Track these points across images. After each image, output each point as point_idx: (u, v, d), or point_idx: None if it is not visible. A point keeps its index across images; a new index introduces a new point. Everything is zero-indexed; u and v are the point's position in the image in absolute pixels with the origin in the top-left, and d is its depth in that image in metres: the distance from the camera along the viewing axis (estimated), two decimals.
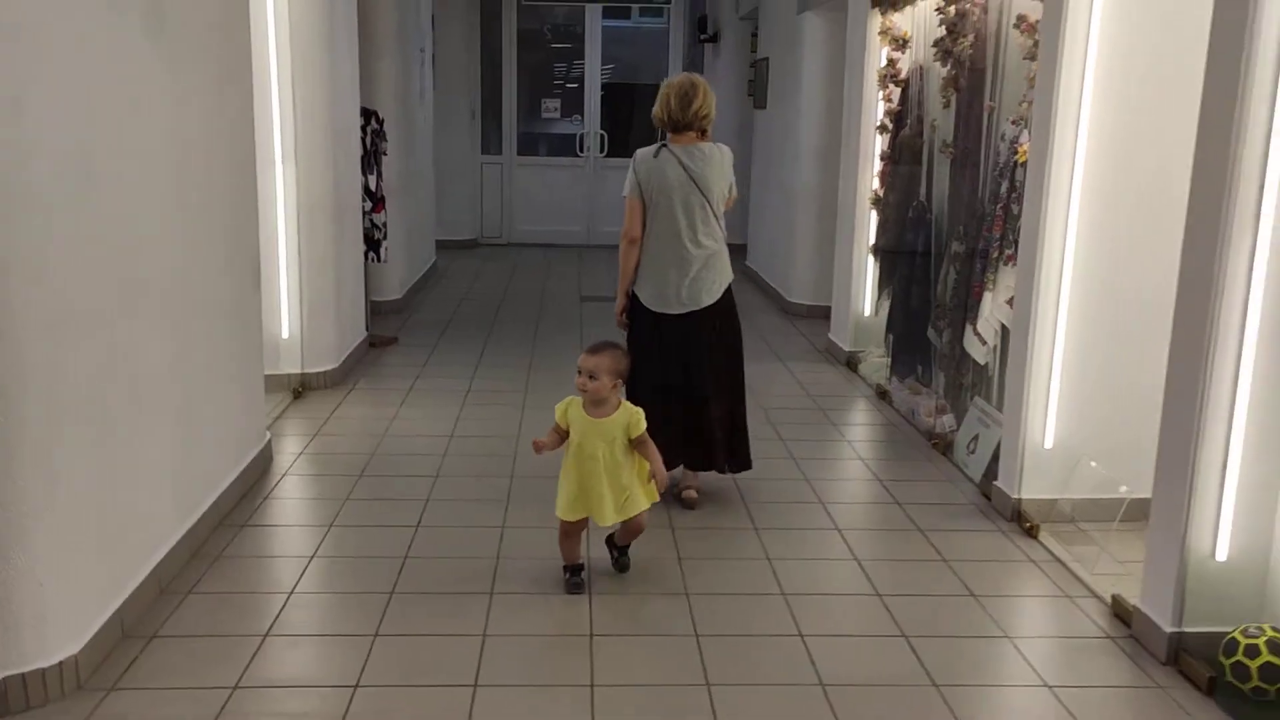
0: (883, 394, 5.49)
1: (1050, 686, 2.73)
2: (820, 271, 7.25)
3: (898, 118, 5.53)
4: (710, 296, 3.85)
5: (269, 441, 4.29)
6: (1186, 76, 2.80)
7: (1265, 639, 2.60)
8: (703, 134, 3.86)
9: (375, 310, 6.81)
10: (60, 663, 2.56)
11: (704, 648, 2.87)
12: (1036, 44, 3.75)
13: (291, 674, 2.74)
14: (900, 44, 5.50)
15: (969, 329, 4.41)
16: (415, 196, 8.20)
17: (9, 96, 2.34)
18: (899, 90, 5.52)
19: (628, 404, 3.17)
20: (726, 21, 10.58)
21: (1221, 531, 2.77)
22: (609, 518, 3.13)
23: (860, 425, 5.17)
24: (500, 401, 5.28)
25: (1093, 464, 3.69)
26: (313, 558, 3.41)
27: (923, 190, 5.19)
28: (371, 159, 6.24)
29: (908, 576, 3.37)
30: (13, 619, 2.48)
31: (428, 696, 2.62)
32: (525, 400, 5.31)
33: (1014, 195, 3.99)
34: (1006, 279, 4.06)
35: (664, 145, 3.84)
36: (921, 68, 5.21)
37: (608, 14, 11.17)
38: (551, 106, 11.40)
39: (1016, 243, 3.89)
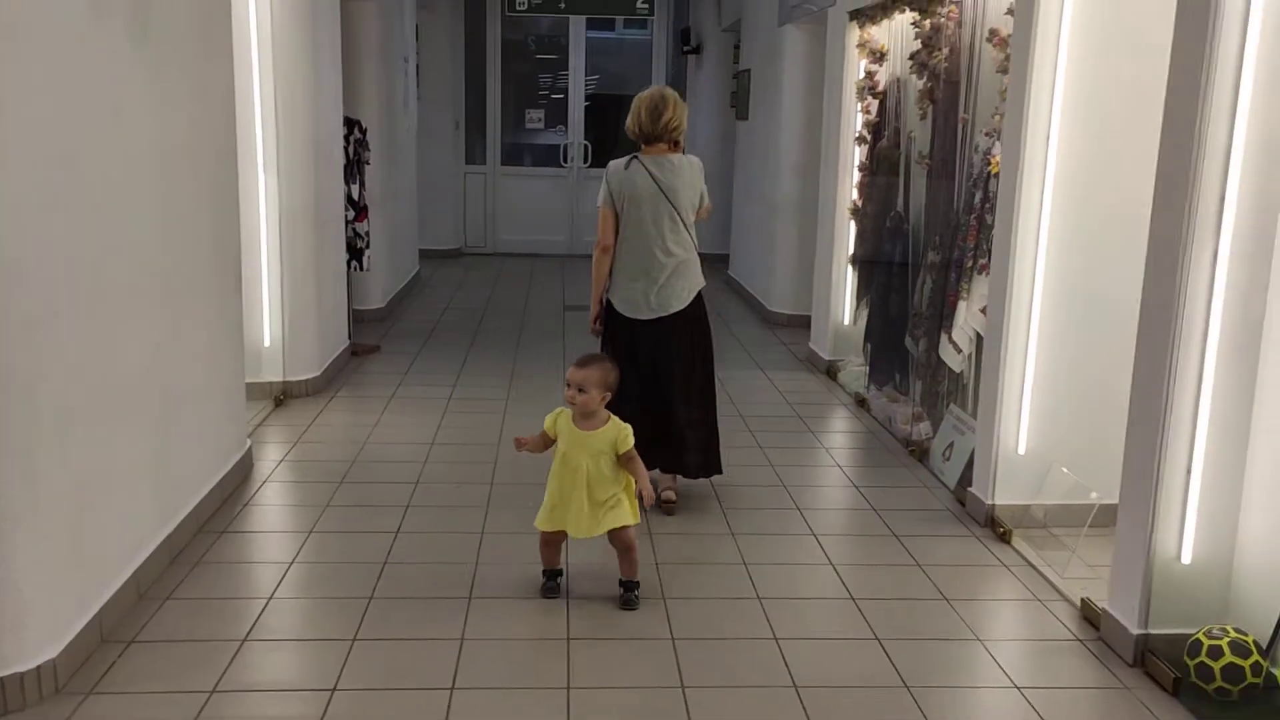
0: (861, 402, 5.55)
1: (1019, 688, 2.77)
2: (801, 281, 7.31)
3: (876, 129, 5.60)
4: (680, 303, 3.94)
5: (250, 448, 4.30)
6: (1152, 90, 2.87)
7: (1228, 640, 2.66)
8: (675, 145, 3.95)
9: (358, 319, 6.83)
10: (38, 667, 2.57)
11: (680, 651, 2.90)
12: (1008, 58, 3.82)
13: (269, 678, 2.76)
14: (878, 57, 5.58)
15: (944, 337, 4.48)
16: (398, 206, 8.23)
17: None
18: (877, 102, 5.60)
19: (616, 420, 3.17)
20: (709, 34, 10.67)
21: (1186, 535, 2.82)
22: (583, 531, 3.14)
23: (839, 433, 5.22)
24: (482, 410, 5.30)
25: (1064, 470, 3.75)
26: (292, 563, 3.43)
27: (900, 201, 5.27)
28: (354, 168, 6.26)
29: (882, 581, 3.42)
30: None
31: (405, 699, 2.65)
32: (506, 408, 5.34)
33: (987, 206, 4.06)
34: (980, 288, 4.13)
35: (635, 156, 3.93)
36: (899, 80, 5.29)
37: (592, 25, 11.24)
38: (535, 117, 11.45)
39: (990, 252, 3.96)
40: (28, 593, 2.55)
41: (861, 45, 5.75)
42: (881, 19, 5.43)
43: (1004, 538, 3.74)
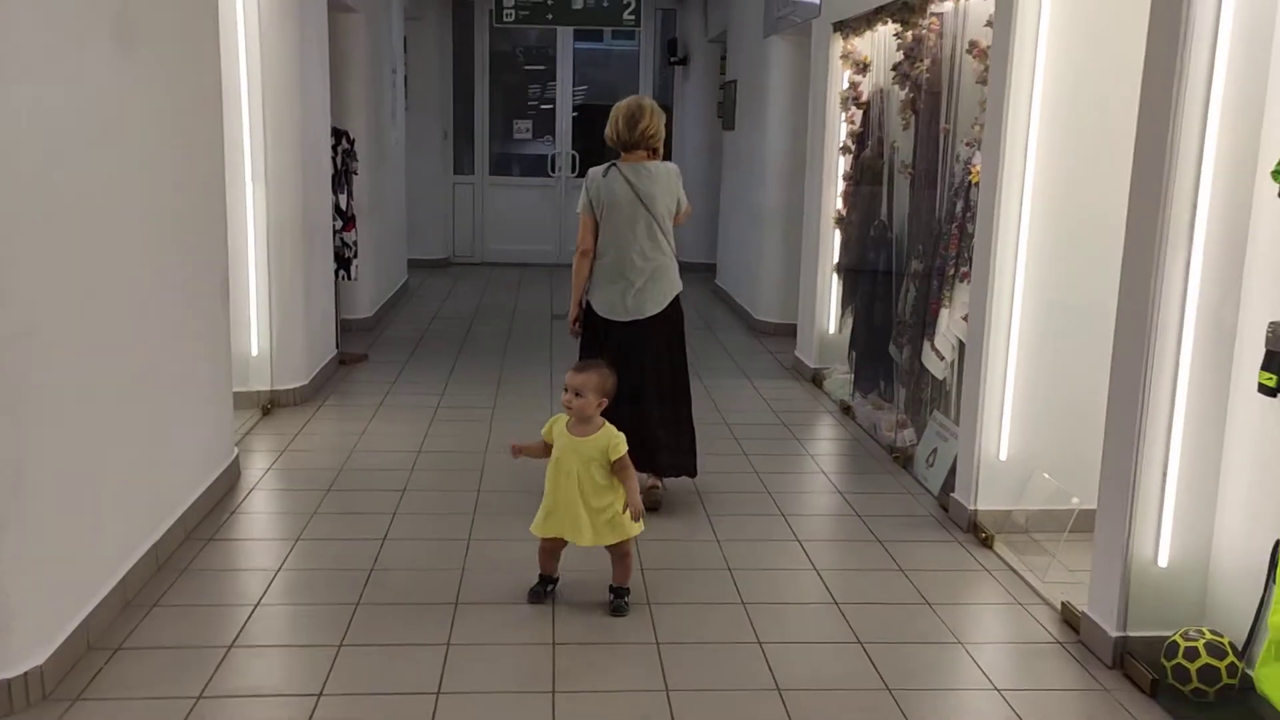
0: (846, 409, 5.59)
1: (1000, 690, 2.81)
2: (787, 290, 7.36)
3: (860, 139, 5.66)
4: (656, 306, 4.03)
5: (237, 457, 4.31)
6: (1128, 101, 2.92)
7: (1204, 642, 2.70)
8: (653, 153, 4.04)
9: (345, 328, 6.84)
10: (25, 673, 2.58)
11: (664, 655, 2.93)
12: (988, 69, 3.88)
13: (255, 684, 2.77)
14: (861, 68, 5.64)
15: (927, 345, 4.52)
16: (386, 215, 8.25)
17: None
18: (860, 112, 5.65)
19: (610, 428, 3.18)
20: (696, 44, 10.75)
21: (1162, 539, 2.87)
22: (586, 539, 3.14)
23: (824, 440, 5.26)
24: (469, 418, 5.32)
25: (1045, 476, 3.80)
26: (279, 570, 3.44)
27: (884, 210, 5.32)
28: (342, 178, 6.29)
29: (865, 585, 3.45)
30: None
31: (391, 704, 2.66)
32: (494, 416, 5.36)
33: (968, 214, 4.11)
34: (962, 296, 4.17)
35: (613, 164, 4.04)
36: (882, 91, 5.35)
37: (579, 36, 11.30)
38: (524, 127, 11.49)
39: (971, 260, 4.01)
40: (15, 599, 2.56)
41: (845, 56, 5.81)
42: (864, 30, 5.50)
43: (986, 543, 3.78)
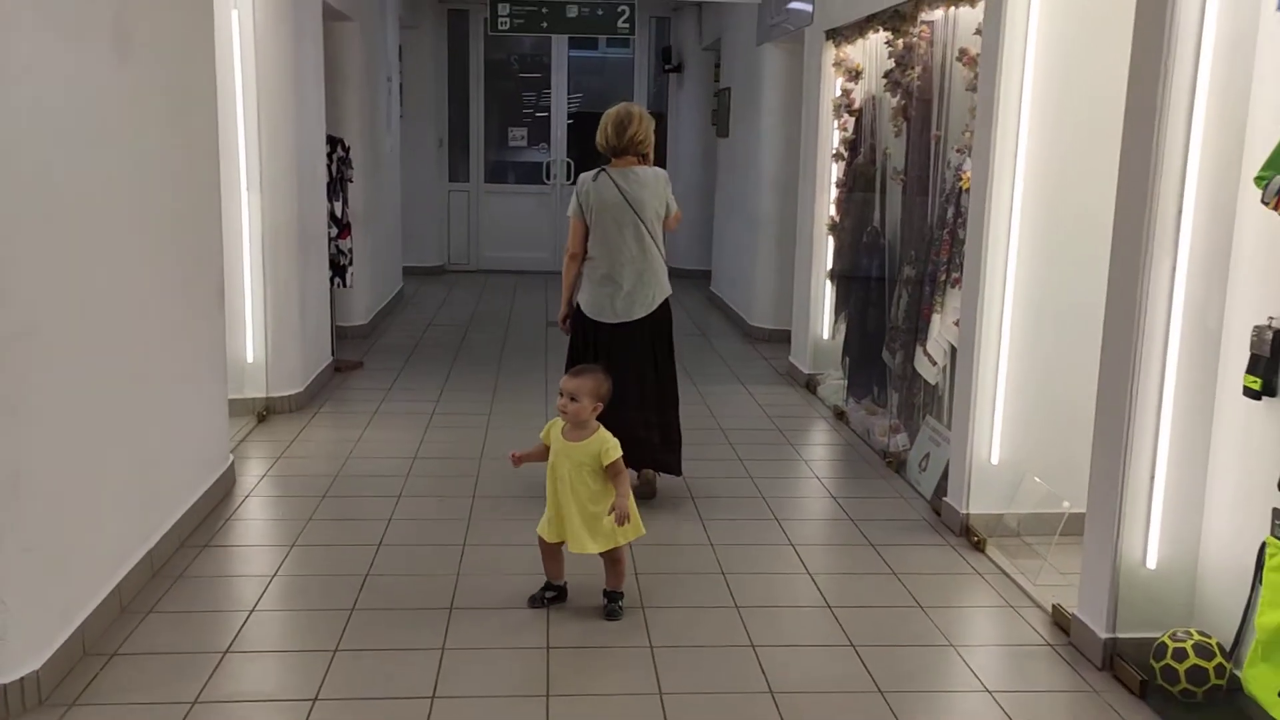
0: (840, 415, 5.62)
1: (991, 691, 2.83)
2: (781, 296, 7.39)
3: (852, 146, 5.69)
4: (644, 309, 4.13)
5: (232, 463, 4.33)
6: (1115, 107, 2.95)
7: (1192, 643, 2.72)
8: (643, 159, 4.14)
9: (341, 335, 6.86)
10: (22, 679, 2.59)
11: (658, 659, 2.95)
12: (977, 76, 3.92)
13: (251, 689, 2.78)
14: (853, 75, 5.68)
15: (920, 350, 4.55)
16: (381, 223, 8.28)
17: None
18: (853, 120, 5.69)
19: (604, 433, 3.19)
20: (690, 52, 10.80)
21: (1151, 541, 2.89)
22: (584, 546, 3.15)
23: (818, 445, 5.29)
24: (464, 424, 5.34)
25: (1036, 480, 3.83)
26: (274, 576, 3.45)
27: (876, 216, 5.35)
28: (337, 186, 6.31)
29: (858, 589, 3.47)
30: None
31: (386, 709, 2.68)
32: (489, 422, 5.38)
33: (960, 221, 4.14)
34: (954, 301, 4.20)
35: (603, 169, 4.13)
36: (874, 98, 5.39)
37: (574, 44, 11.34)
38: (519, 135, 11.53)
39: (963, 266, 4.04)
40: (11, 604, 2.57)
41: (838, 64, 5.85)
42: (856, 38, 5.54)
43: (978, 546, 3.80)
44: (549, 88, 11.40)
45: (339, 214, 6.33)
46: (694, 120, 10.88)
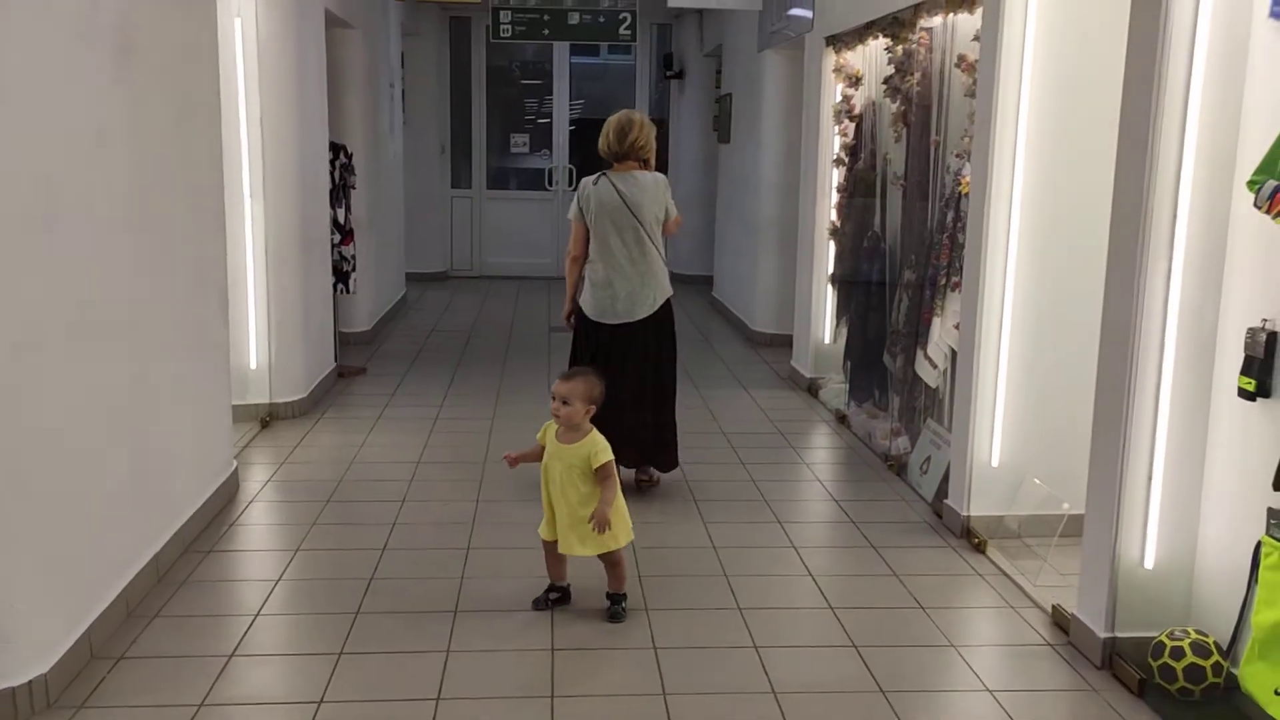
0: (842, 418, 5.64)
1: (991, 691, 2.85)
2: (782, 301, 7.42)
3: (853, 151, 5.72)
4: (646, 310, 4.24)
5: (236, 469, 4.35)
6: (1112, 111, 2.98)
7: (1189, 641, 2.74)
8: (643, 164, 4.26)
9: (344, 341, 6.89)
10: (30, 682, 2.61)
11: (661, 659, 2.97)
12: (976, 82, 3.95)
13: (256, 692, 2.81)
14: (854, 81, 5.71)
15: (920, 354, 4.58)
16: (384, 229, 8.32)
17: None
18: (853, 125, 5.72)
19: (596, 435, 3.21)
20: (691, 58, 10.84)
21: (1149, 541, 2.91)
22: (571, 548, 3.18)
23: (820, 449, 5.31)
24: (468, 429, 5.37)
25: (1036, 481, 3.85)
26: (279, 581, 3.48)
27: (877, 221, 5.38)
28: (340, 192, 6.35)
29: (859, 590, 3.49)
30: None
31: (392, 710, 2.70)
32: (493, 427, 5.40)
33: (959, 225, 4.17)
34: (954, 305, 4.23)
35: (604, 174, 4.26)
36: (874, 104, 5.42)
37: (576, 51, 11.39)
38: (521, 141, 11.58)
39: (962, 270, 4.07)
40: (19, 609, 2.60)
41: (838, 70, 5.88)
42: (856, 45, 5.57)
43: (979, 548, 3.82)
44: (551, 94, 11.45)
45: (342, 220, 6.37)
46: (695, 126, 10.92)
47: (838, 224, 5.99)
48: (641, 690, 2.81)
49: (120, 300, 3.18)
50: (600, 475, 3.15)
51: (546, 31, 8.79)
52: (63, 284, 2.81)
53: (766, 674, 2.90)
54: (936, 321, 4.39)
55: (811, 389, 6.27)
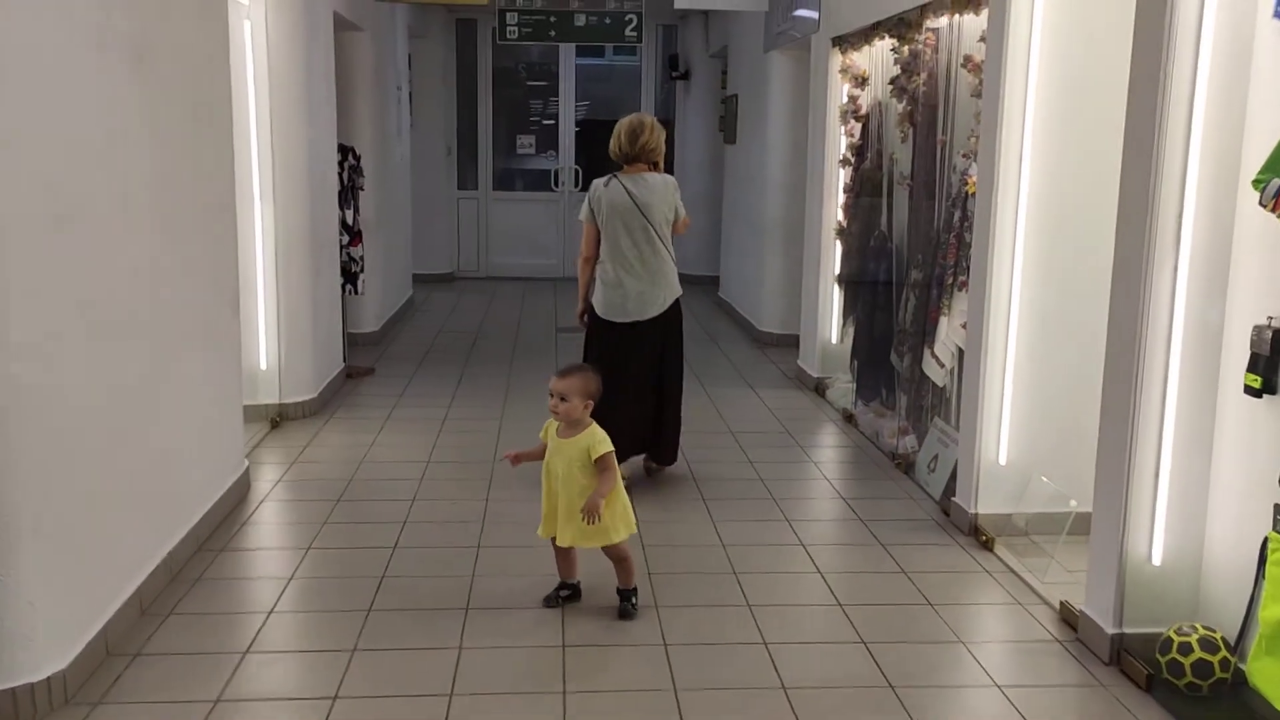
0: (849, 417, 5.66)
1: (1000, 686, 2.87)
2: (789, 301, 7.44)
3: (859, 152, 5.75)
4: (657, 309, 4.36)
5: (247, 469, 4.39)
6: (1117, 111, 3.00)
7: (1197, 637, 2.76)
8: (653, 166, 4.37)
9: (352, 342, 6.92)
10: (49, 678, 2.65)
11: (672, 656, 2.99)
12: (982, 82, 3.97)
13: (271, 688, 2.83)
14: (860, 81, 5.73)
15: (927, 353, 4.59)
16: (392, 230, 8.35)
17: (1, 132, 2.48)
18: (860, 125, 5.75)
19: (595, 429, 3.23)
20: (697, 59, 10.86)
21: (1156, 537, 2.93)
22: (566, 539, 3.21)
23: (827, 447, 5.33)
24: (476, 429, 5.39)
25: (1044, 479, 3.86)
26: (291, 579, 3.51)
27: (883, 221, 5.40)
28: (349, 194, 6.39)
29: (868, 587, 3.51)
30: (4, 636, 2.57)
31: (405, 706, 2.73)
32: (501, 427, 5.43)
33: (966, 224, 4.19)
34: (961, 304, 4.25)
35: (614, 176, 4.35)
36: (880, 104, 5.44)
37: (581, 52, 11.42)
38: (527, 143, 11.61)
39: (969, 269, 4.08)
40: (37, 607, 2.63)
41: (844, 70, 5.90)
42: (863, 45, 5.59)
43: (987, 545, 3.84)
44: (556, 95, 11.49)
45: (350, 222, 6.41)
46: (701, 127, 10.94)
47: (844, 224, 6.01)
48: (652, 686, 2.83)
49: (136, 300, 3.21)
50: (599, 466, 3.17)
51: (553, 33, 8.83)
52: (80, 285, 2.84)
53: (776, 670, 2.92)
54: (943, 321, 4.41)
55: (818, 388, 6.29)
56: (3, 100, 2.47)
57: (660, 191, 4.33)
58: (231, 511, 4.09)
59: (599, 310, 4.40)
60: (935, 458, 4.50)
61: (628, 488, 4.05)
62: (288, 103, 5.26)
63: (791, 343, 7.14)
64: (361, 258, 6.56)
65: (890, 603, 3.39)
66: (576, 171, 11.41)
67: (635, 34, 8.82)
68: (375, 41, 7.55)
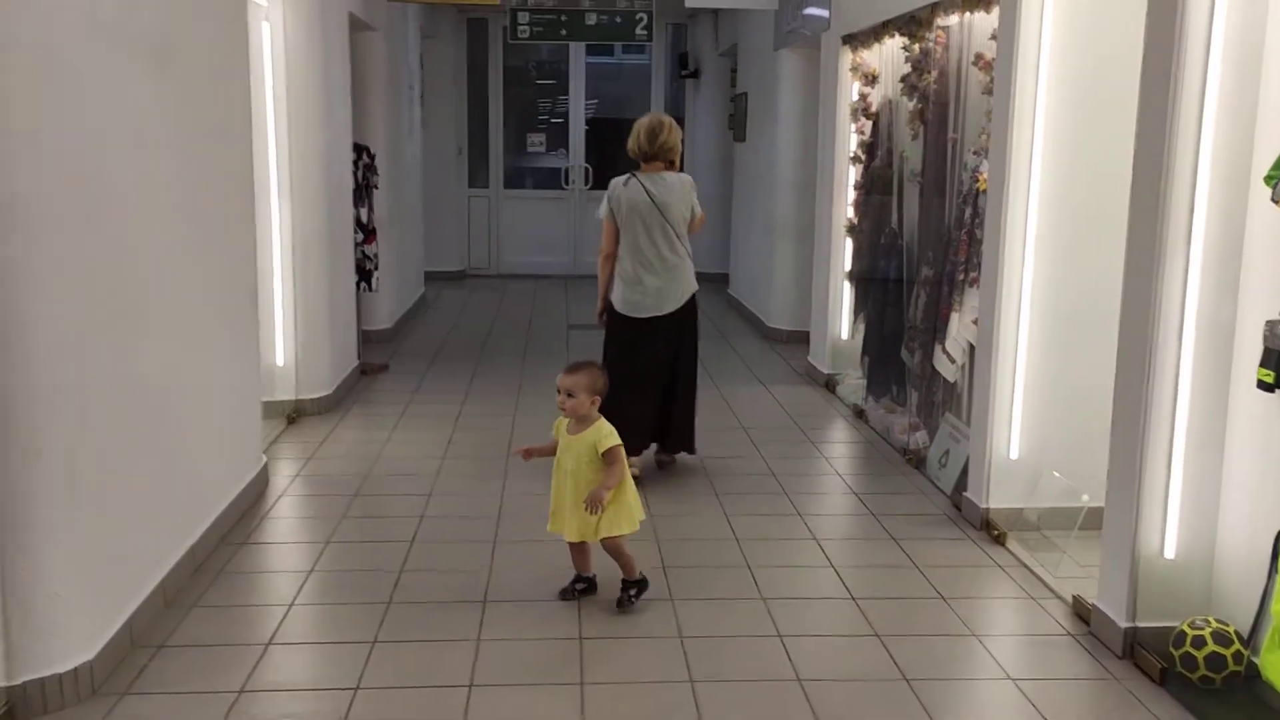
0: (860, 414, 5.69)
1: (1013, 679, 2.90)
2: (799, 298, 7.46)
3: (869, 149, 5.77)
4: (675, 304, 4.48)
5: (265, 464, 4.44)
6: (1128, 109, 3.02)
7: (1210, 630, 2.78)
8: (670, 164, 4.46)
9: (366, 339, 6.97)
10: (75, 669, 2.69)
11: (688, 648, 3.03)
12: (993, 80, 3.99)
13: (294, 678, 2.88)
14: (870, 79, 5.75)
15: (938, 348, 4.62)
16: (404, 229, 8.40)
17: (28, 130, 2.52)
18: (870, 123, 5.77)
19: (602, 423, 3.26)
20: (706, 58, 10.89)
21: (1169, 531, 2.95)
22: (572, 534, 3.25)
23: (838, 443, 5.36)
24: (491, 425, 5.43)
25: (1055, 474, 3.89)
26: (311, 572, 3.56)
27: (894, 218, 5.42)
28: (363, 192, 6.44)
29: (881, 581, 3.55)
30: (33, 627, 2.62)
31: (426, 696, 2.77)
32: (514, 423, 5.47)
33: (977, 221, 4.21)
34: (972, 300, 4.27)
35: (633, 175, 4.44)
36: (890, 102, 5.46)
37: (591, 51, 11.45)
38: (537, 141, 11.65)
39: (980, 266, 4.11)
40: (65, 599, 2.68)
41: (854, 69, 5.93)
42: (873, 43, 5.61)
43: (998, 540, 3.86)
44: (566, 94, 11.52)
45: (365, 220, 6.46)
46: (711, 125, 10.96)
47: (855, 221, 6.03)
48: (669, 678, 2.87)
49: (160, 297, 3.26)
50: (607, 460, 3.20)
51: (564, 32, 8.85)
52: (107, 280, 2.89)
53: (791, 662, 2.95)
54: (955, 317, 4.43)
55: (829, 385, 6.32)
56: (33, 99, 2.52)
57: (678, 191, 4.43)
58: (251, 506, 4.14)
59: (618, 306, 4.51)
60: (946, 453, 4.53)
61: (639, 480, 4.11)
62: (305, 102, 5.31)
63: (801, 339, 7.17)
64: (376, 255, 6.61)
65: (903, 596, 3.42)
66: (586, 170, 11.44)
67: (646, 33, 8.84)
68: (388, 41, 7.59)
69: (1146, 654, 2.91)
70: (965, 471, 4.21)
